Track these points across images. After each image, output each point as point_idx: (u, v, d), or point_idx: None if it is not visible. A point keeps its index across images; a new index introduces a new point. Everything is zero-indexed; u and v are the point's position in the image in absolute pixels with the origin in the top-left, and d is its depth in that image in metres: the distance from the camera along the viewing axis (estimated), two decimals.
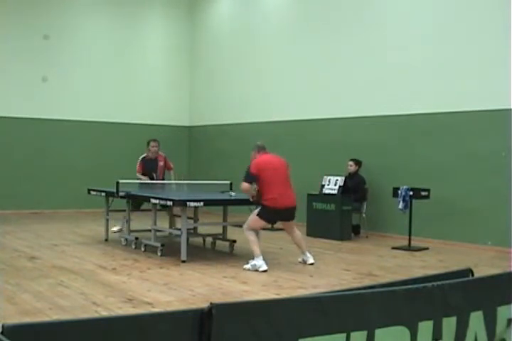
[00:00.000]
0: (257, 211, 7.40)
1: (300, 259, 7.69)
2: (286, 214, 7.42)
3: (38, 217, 12.66)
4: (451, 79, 9.68)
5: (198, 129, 15.37)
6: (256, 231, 7.46)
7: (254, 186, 7.38)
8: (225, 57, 14.44)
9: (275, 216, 7.44)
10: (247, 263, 7.23)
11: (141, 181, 9.94)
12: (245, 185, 7.31)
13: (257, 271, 7.04)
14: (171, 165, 10.17)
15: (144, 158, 9.99)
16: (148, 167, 9.90)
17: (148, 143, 9.97)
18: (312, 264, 7.50)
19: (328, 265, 7.63)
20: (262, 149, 7.67)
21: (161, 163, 9.96)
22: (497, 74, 9.02)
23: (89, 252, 8.27)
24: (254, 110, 13.49)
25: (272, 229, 10.97)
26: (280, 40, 12.88)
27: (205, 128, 15.10)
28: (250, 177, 7.32)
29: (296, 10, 12.57)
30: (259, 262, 7.10)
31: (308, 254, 7.63)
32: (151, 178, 9.88)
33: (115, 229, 9.73)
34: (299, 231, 7.69)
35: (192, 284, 6.26)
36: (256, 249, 7.21)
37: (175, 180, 10.18)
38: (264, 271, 7.02)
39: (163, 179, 10.06)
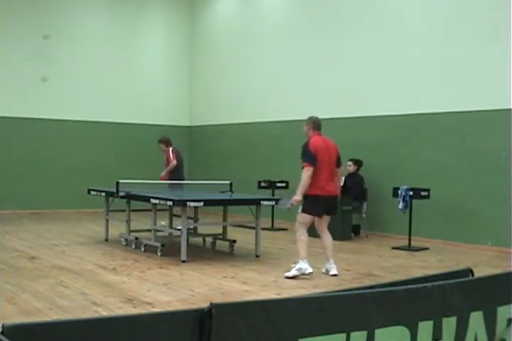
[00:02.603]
0: (300, 209, 6.90)
1: (324, 270, 7.01)
2: (332, 203, 6.91)
3: (38, 217, 12.66)
4: (452, 79, 9.68)
5: (197, 129, 15.37)
6: (307, 231, 6.91)
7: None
8: (225, 57, 14.44)
9: (323, 206, 6.83)
10: (289, 270, 6.74)
11: (142, 181, 10.27)
12: (309, 169, 6.64)
13: (304, 274, 6.65)
14: (170, 158, 10.92)
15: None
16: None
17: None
18: (335, 275, 6.83)
19: None
20: (317, 127, 7.00)
21: (165, 157, 11.08)
22: (497, 74, 9.02)
23: (89, 252, 8.27)
24: (254, 110, 13.49)
25: (272, 229, 10.98)
26: (280, 40, 12.88)
27: (204, 128, 15.10)
28: (312, 158, 6.67)
29: (296, 10, 12.57)
30: (305, 265, 6.68)
31: (333, 263, 6.93)
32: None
33: (163, 223, 10.07)
34: (330, 235, 7.08)
35: (192, 284, 6.26)
36: (303, 251, 6.71)
37: (168, 170, 10.91)
38: (310, 273, 6.66)
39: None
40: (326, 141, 7.01)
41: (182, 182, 11.03)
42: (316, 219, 7.04)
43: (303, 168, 6.78)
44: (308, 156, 6.74)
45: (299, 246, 6.79)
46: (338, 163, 7.06)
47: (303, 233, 6.84)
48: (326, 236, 7.02)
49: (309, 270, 6.69)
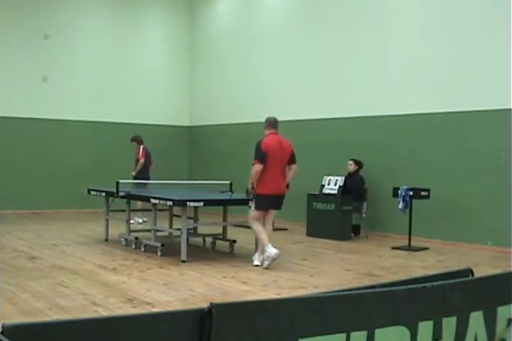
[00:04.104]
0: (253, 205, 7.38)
1: (256, 261, 7.40)
2: (279, 200, 7.43)
3: (38, 217, 12.66)
4: (451, 79, 9.69)
5: (197, 129, 15.37)
6: (261, 221, 7.43)
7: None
8: (225, 57, 14.44)
9: (270, 203, 7.39)
10: (263, 259, 7.24)
11: (146, 181, 10.96)
12: (258, 166, 7.19)
13: (274, 259, 7.12)
14: (139, 156, 11.60)
15: None
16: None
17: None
18: (257, 266, 7.30)
19: (328, 265, 7.64)
20: (271, 126, 7.45)
21: (136, 154, 11.76)
22: (497, 74, 9.02)
23: (89, 252, 8.27)
24: (254, 110, 13.48)
25: (272, 229, 10.97)
26: (280, 40, 12.88)
27: (204, 128, 15.10)
28: (262, 156, 7.18)
29: (296, 10, 12.57)
30: (270, 249, 7.12)
31: (260, 255, 7.36)
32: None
33: (140, 220, 10.98)
34: (271, 228, 7.63)
35: (192, 284, 6.26)
36: (263, 237, 7.22)
37: (135, 170, 11.60)
38: (277, 253, 7.09)
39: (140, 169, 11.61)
40: (280, 140, 7.43)
41: (182, 183, 11.15)
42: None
43: (253, 164, 7.30)
44: (259, 154, 7.25)
45: (258, 236, 7.34)
46: (293, 160, 7.45)
47: (257, 225, 7.36)
48: (268, 229, 7.47)
49: (274, 251, 7.09)
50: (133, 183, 10.96)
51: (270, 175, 7.24)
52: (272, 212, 7.54)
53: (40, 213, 13.15)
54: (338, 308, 2.37)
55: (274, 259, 7.13)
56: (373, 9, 10.93)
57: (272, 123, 7.46)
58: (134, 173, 11.45)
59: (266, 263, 7.22)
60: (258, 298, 5.05)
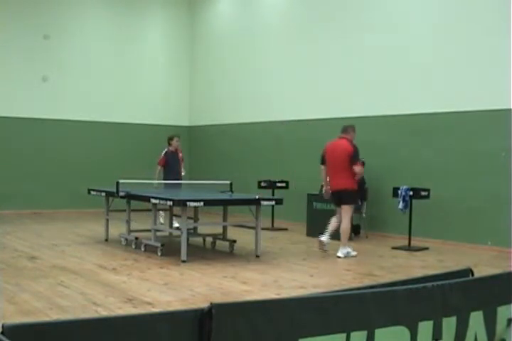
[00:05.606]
0: None
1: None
2: (336, 197, 8.25)
3: (38, 217, 12.66)
4: (451, 79, 9.68)
5: (197, 129, 15.37)
6: (343, 219, 8.24)
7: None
8: (225, 57, 14.44)
9: (332, 199, 8.43)
10: (347, 252, 8.22)
11: (146, 181, 10.61)
12: (320, 166, 8.48)
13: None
14: (182, 158, 11.51)
15: (166, 152, 11.11)
16: (171, 159, 11.01)
17: (171, 138, 11.17)
18: (339, 257, 8.12)
19: (328, 265, 7.63)
20: (341, 132, 8.34)
21: (181, 155, 11.33)
22: (497, 74, 9.02)
23: (89, 252, 8.27)
24: (254, 110, 13.48)
25: (272, 229, 10.99)
26: (280, 40, 12.88)
27: (204, 128, 15.10)
28: (320, 158, 8.49)
29: (296, 10, 12.57)
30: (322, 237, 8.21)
31: (342, 248, 8.19)
32: (176, 168, 11.01)
33: (177, 224, 10.38)
34: (346, 223, 8.16)
35: (192, 284, 6.26)
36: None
37: (181, 170, 11.29)
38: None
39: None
40: (336, 143, 8.29)
41: (184, 182, 11.10)
42: None
43: None
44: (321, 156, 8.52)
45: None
46: (350, 163, 8.08)
47: (332, 219, 8.40)
48: (343, 224, 8.21)
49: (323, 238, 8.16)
50: (164, 184, 10.76)
51: (329, 174, 8.36)
52: (344, 208, 8.19)
53: (41, 213, 13.15)
54: (338, 308, 2.37)
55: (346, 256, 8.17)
56: (373, 9, 10.92)
57: (342, 129, 8.35)
58: (184, 172, 11.38)
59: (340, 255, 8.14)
60: (258, 298, 5.06)
